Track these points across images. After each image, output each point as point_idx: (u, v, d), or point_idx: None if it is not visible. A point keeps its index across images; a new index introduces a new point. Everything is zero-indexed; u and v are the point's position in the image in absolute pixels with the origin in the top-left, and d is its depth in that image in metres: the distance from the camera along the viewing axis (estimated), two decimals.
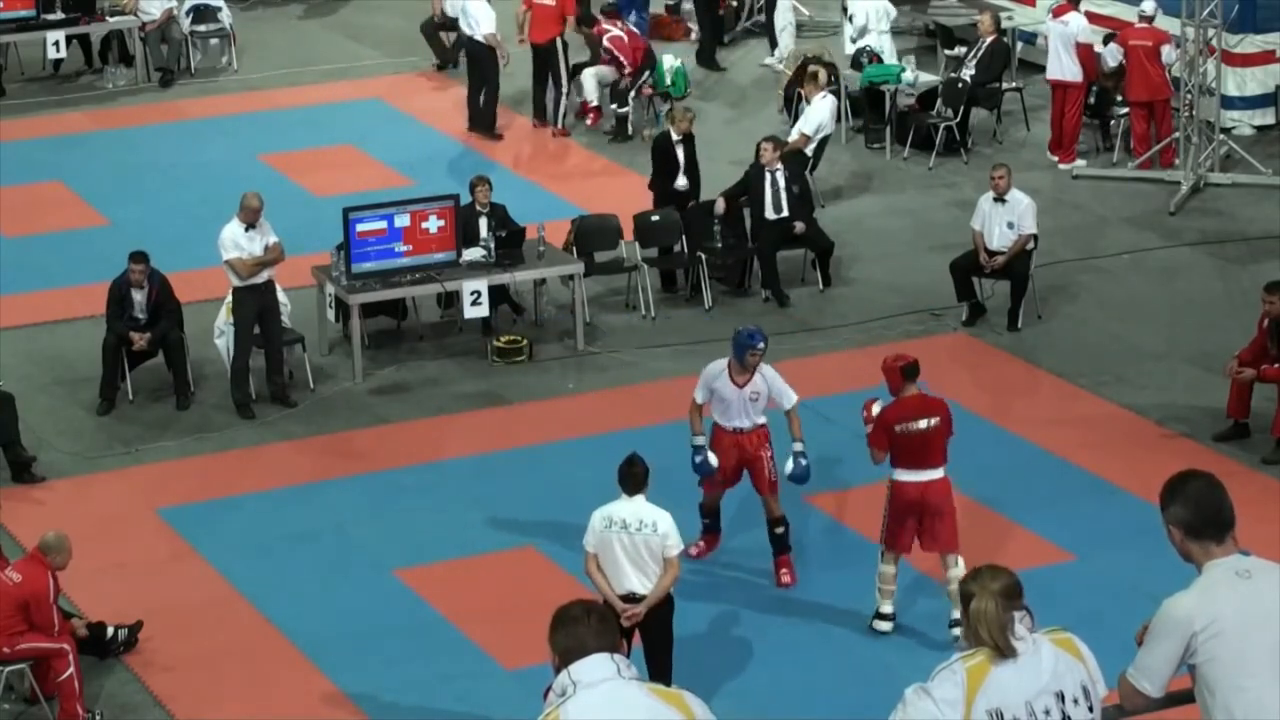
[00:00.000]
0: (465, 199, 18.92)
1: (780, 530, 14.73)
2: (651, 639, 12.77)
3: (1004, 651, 6.36)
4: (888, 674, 13.65)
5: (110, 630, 14.03)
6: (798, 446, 14.53)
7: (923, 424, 13.87)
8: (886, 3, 24.95)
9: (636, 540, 12.61)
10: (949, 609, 14.44)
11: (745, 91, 26.09)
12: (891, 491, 13.91)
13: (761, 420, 14.62)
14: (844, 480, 16.24)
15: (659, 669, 12.65)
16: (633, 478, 12.85)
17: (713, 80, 26.46)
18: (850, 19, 24.91)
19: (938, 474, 13.86)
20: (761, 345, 14.42)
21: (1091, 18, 23.54)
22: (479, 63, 23.93)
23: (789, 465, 14.56)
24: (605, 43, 24.40)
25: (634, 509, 12.71)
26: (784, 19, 26.72)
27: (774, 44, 26.84)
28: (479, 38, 23.76)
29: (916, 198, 22.37)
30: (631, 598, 12.63)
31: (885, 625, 14.06)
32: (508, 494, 16.21)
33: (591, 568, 12.80)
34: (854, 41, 24.70)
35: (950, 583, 13.72)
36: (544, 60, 24.20)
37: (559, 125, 24.26)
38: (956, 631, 13.82)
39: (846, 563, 15.00)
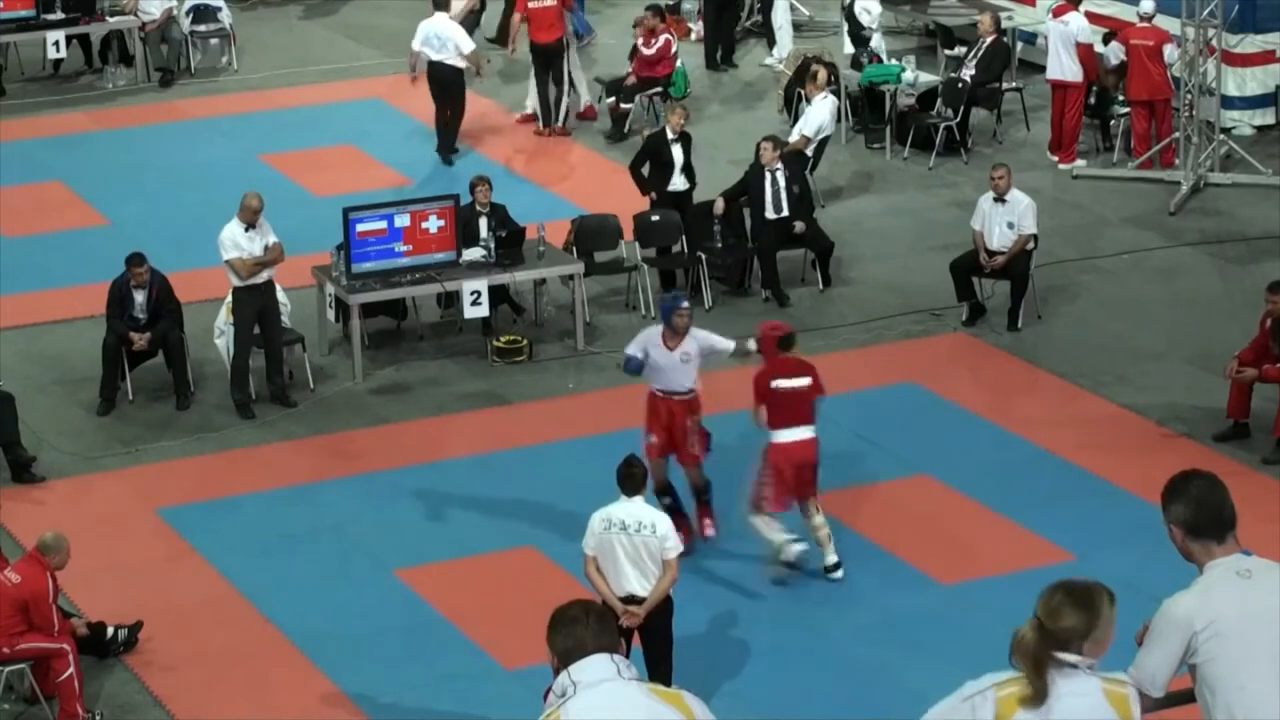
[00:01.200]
0: (465, 199, 18.92)
1: (705, 496, 15.24)
2: (651, 641, 12.78)
3: (1034, 692, 6.12)
4: (887, 674, 13.67)
5: (110, 630, 14.03)
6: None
7: (796, 383, 14.69)
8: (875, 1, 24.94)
9: (636, 542, 12.63)
10: (943, 608, 14.46)
11: (745, 91, 26.09)
12: (769, 453, 14.56)
13: (693, 385, 15.14)
14: (844, 480, 16.23)
15: (659, 671, 12.65)
16: (631, 479, 12.89)
17: (713, 80, 26.46)
18: (857, 17, 24.82)
19: (810, 432, 14.65)
20: (685, 305, 15.13)
21: (1091, 18, 23.53)
22: (449, 86, 23.26)
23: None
24: (660, 40, 24.37)
25: (633, 510, 12.74)
26: (782, 18, 26.72)
27: (772, 44, 26.84)
28: (452, 61, 23.13)
29: (916, 198, 22.36)
30: (631, 599, 12.64)
31: (798, 545, 14.66)
32: (508, 494, 16.21)
33: (590, 570, 12.80)
34: (855, 41, 24.67)
35: (816, 530, 14.66)
36: (548, 61, 24.20)
37: (560, 125, 24.26)
38: (837, 575, 14.51)
39: (846, 563, 15.00)
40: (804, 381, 14.72)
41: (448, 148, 23.32)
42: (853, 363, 18.39)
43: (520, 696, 12.79)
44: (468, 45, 23.28)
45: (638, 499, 12.83)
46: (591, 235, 19.79)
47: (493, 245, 18.59)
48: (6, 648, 13.13)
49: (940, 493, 16.04)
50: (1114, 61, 23.23)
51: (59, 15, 26.04)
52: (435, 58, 23.14)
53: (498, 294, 18.77)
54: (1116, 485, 15.97)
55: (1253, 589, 6.48)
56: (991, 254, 18.96)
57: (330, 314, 18.55)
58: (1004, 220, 18.96)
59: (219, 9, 27.26)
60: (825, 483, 16.10)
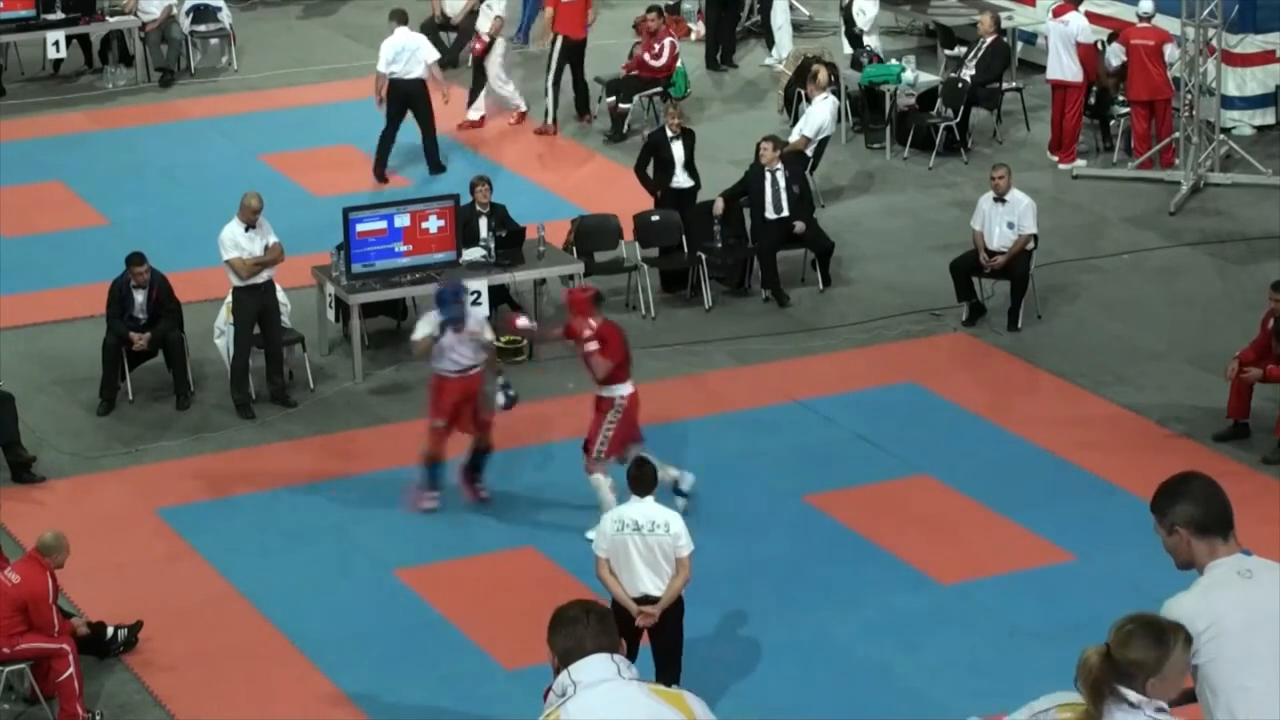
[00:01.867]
0: (465, 199, 18.91)
1: (484, 457, 15.87)
2: (662, 640, 12.78)
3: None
4: (887, 674, 13.67)
5: (110, 630, 14.03)
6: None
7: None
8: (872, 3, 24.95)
9: (650, 541, 12.61)
10: (943, 608, 14.47)
11: (745, 91, 26.09)
12: (626, 404, 15.14)
13: (482, 356, 15.69)
14: (844, 480, 16.25)
15: (668, 670, 12.66)
16: (643, 479, 12.87)
17: (713, 80, 26.46)
18: (854, 18, 24.81)
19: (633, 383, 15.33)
20: (464, 294, 15.76)
21: (1091, 18, 23.53)
22: (416, 100, 22.77)
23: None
24: (665, 43, 24.37)
25: (646, 510, 12.73)
26: (781, 18, 26.72)
27: (771, 44, 26.84)
28: (418, 74, 22.66)
29: (916, 198, 22.36)
30: (646, 599, 12.64)
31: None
32: (508, 494, 16.21)
33: (603, 572, 12.75)
34: (852, 42, 24.67)
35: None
36: (577, 56, 24.29)
37: (551, 122, 24.33)
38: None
39: (847, 563, 15.01)
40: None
41: (436, 164, 22.96)
42: (853, 363, 18.41)
43: (520, 696, 12.78)
44: (433, 54, 23.04)
45: (649, 499, 12.82)
46: (591, 235, 19.80)
47: (493, 245, 18.60)
48: (6, 648, 13.13)
49: (940, 493, 16.04)
50: (1115, 63, 23.22)
51: (59, 15, 26.03)
52: (402, 74, 22.59)
53: (498, 294, 18.77)
54: (1116, 485, 15.96)
55: (1254, 589, 6.47)
56: (991, 254, 18.96)
57: (330, 314, 18.55)
58: (1004, 220, 18.97)
59: (219, 9, 27.25)
60: (825, 483, 16.14)
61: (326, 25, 29.16)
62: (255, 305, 17.51)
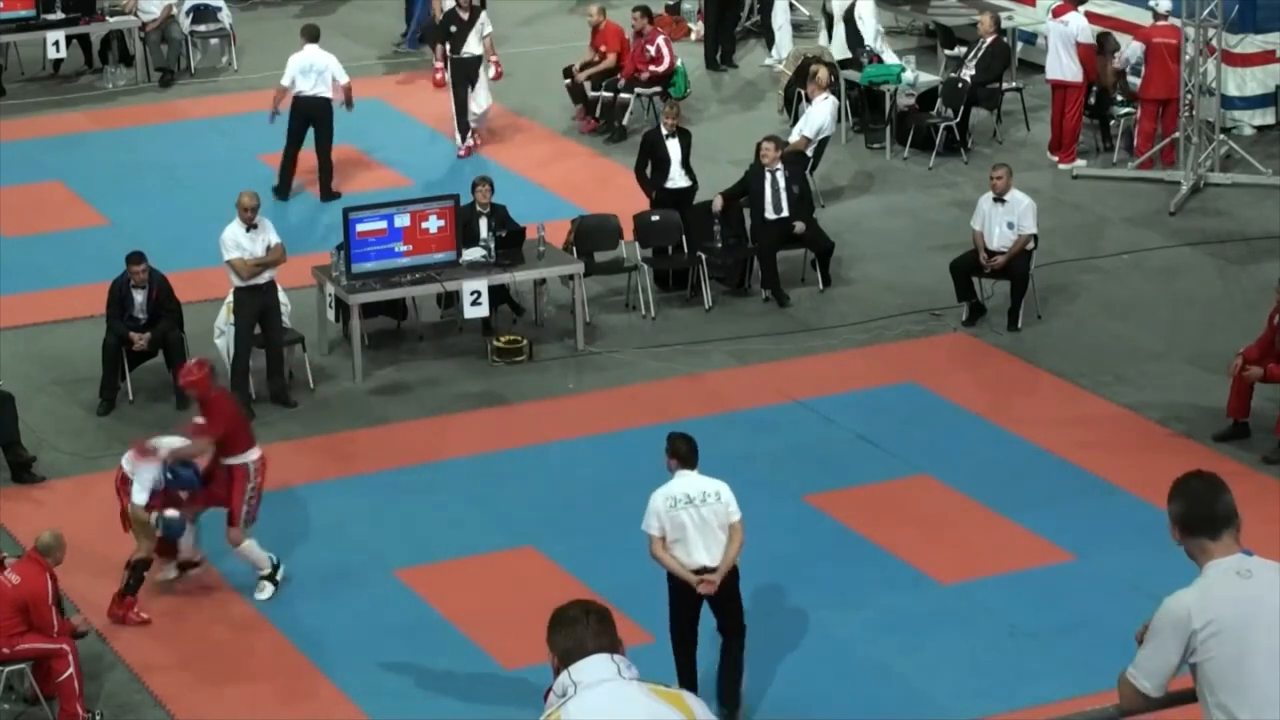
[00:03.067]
0: (465, 199, 18.91)
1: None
2: (724, 609, 12.88)
3: None
4: (887, 674, 13.68)
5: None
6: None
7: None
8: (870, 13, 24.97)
9: (704, 512, 12.69)
10: (943, 608, 14.47)
11: (745, 91, 26.09)
12: (259, 467, 14.71)
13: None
14: (844, 480, 16.25)
15: (735, 638, 12.88)
16: (690, 452, 12.89)
17: (713, 80, 26.46)
18: (858, 23, 24.79)
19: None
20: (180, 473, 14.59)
21: (1091, 18, 23.53)
22: (319, 123, 22.38)
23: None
24: (658, 42, 24.39)
25: (695, 483, 12.79)
26: (781, 18, 26.73)
27: (771, 44, 26.85)
28: (324, 92, 22.33)
29: (916, 198, 22.36)
30: (703, 570, 12.72)
31: (282, 571, 14.83)
32: (508, 494, 16.22)
33: (658, 549, 12.80)
34: (853, 41, 24.68)
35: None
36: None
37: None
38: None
39: (847, 563, 15.01)
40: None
41: (329, 190, 22.25)
42: (853, 363, 18.41)
43: (520, 696, 12.79)
44: (344, 75, 22.77)
45: (693, 472, 12.84)
46: (591, 235, 19.80)
47: (493, 245, 18.60)
48: (6, 648, 13.13)
49: (940, 493, 16.04)
50: (1133, 60, 23.17)
51: (59, 15, 26.03)
52: (308, 91, 22.25)
53: (498, 294, 18.78)
54: (1116, 485, 15.97)
55: (1253, 588, 6.48)
56: (991, 254, 18.96)
57: (330, 314, 18.55)
58: (1004, 220, 18.97)
59: (219, 9, 27.26)
60: (826, 483, 16.14)
61: (326, 25, 29.02)
62: (256, 305, 17.51)
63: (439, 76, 23.66)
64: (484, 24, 23.40)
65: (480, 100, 23.45)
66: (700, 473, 12.91)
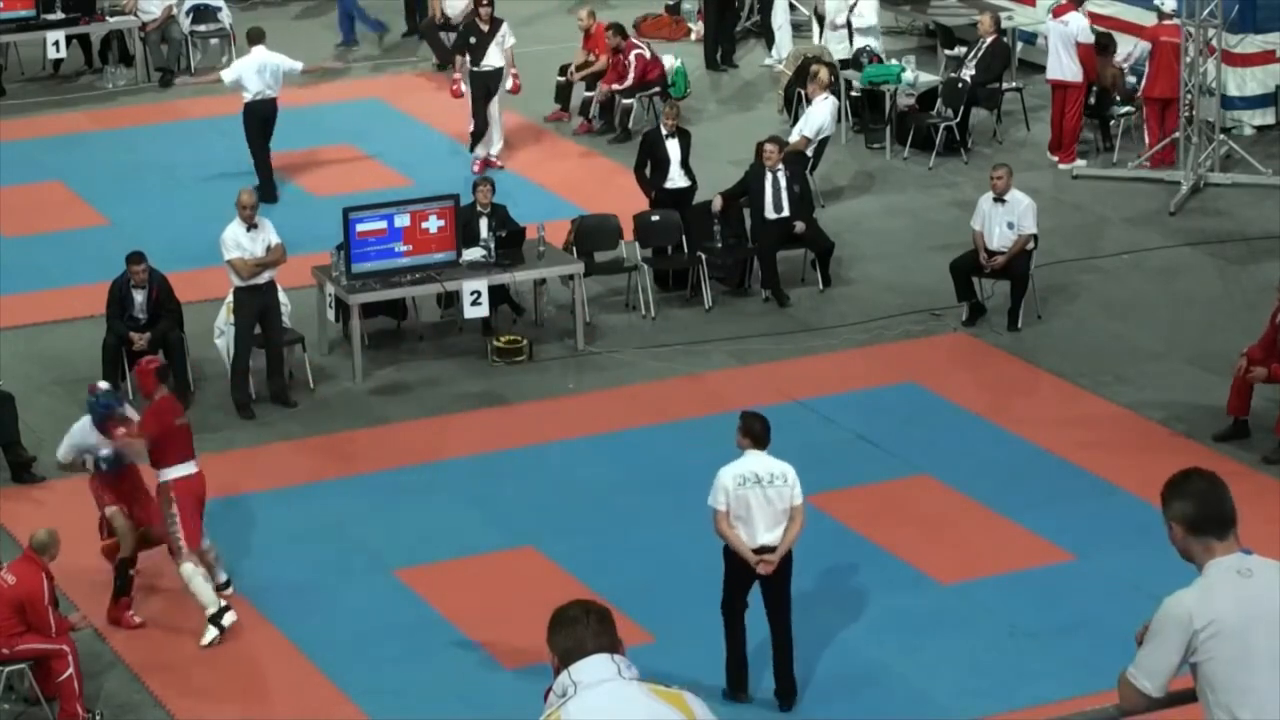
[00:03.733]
0: (465, 199, 18.90)
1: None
2: (775, 591, 13.05)
3: None
4: (887, 674, 13.67)
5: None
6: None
7: (185, 419, 14.55)
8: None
9: (770, 494, 12.85)
10: (943, 608, 14.47)
11: (745, 91, 26.09)
12: (177, 491, 14.18)
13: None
14: (844, 480, 16.24)
15: (781, 620, 13.10)
16: (767, 431, 13.00)
17: (713, 80, 26.47)
18: (855, 19, 24.81)
19: (197, 464, 14.47)
20: (119, 409, 14.55)
21: (1092, 18, 23.52)
22: (272, 119, 22.36)
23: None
24: (631, 56, 24.40)
25: (765, 463, 12.93)
26: (781, 18, 26.74)
27: (771, 44, 26.85)
28: (275, 93, 22.30)
29: (916, 198, 22.36)
30: (764, 549, 12.89)
31: (232, 616, 14.19)
32: (508, 494, 16.22)
33: (723, 525, 12.92)
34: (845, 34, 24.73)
35: (206, 553, 14.45)
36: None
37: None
38: (229, 591, 14.48)
39: (846, 563, 15.01)
40: (185, 417, 14.68)
41: (270, 191, 22.12)
42: (853, 363, 18.41)
43: (520, 696, 12.77)
44: (295, 65, 22.71)
45: (763, 452, 12.94)
46: (591, 235, 19.80)
47: (493, 245, 18.60)
48: (5, 648, 13.12)
49: (940, 493, 16.04)
50: (1135, 60, 23.16)
51: (59, 15, 26.04)
52: (262, 94, 22.22)
53: (498, 294, 18.78)
54: (1116, 485, 15.97)
55: (1254, 587, 6.47)
56: (991, 254, 18.96)
57: (330, 314, 18.55)
58: (1004, 220, 18.97)
59: (219, 9, 27.26)
60: (826, 483, 16.13)
61: (326, 25, 29.14)
62: (256, 305, 17.50)
63: (456, 87, 23.32)
64: (505, 35, 23.01)
65: (492, 112, 23.00)
66: (769, 454, 13.02)
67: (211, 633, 14.14)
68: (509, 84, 23.04)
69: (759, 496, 12.86)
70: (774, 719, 13.21)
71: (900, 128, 23.64)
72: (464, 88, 23.07)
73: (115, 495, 14.61)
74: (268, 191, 22.09)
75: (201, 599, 14.17)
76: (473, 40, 23.05)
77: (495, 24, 23.06)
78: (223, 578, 14.73)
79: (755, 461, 12.93)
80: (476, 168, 22.58)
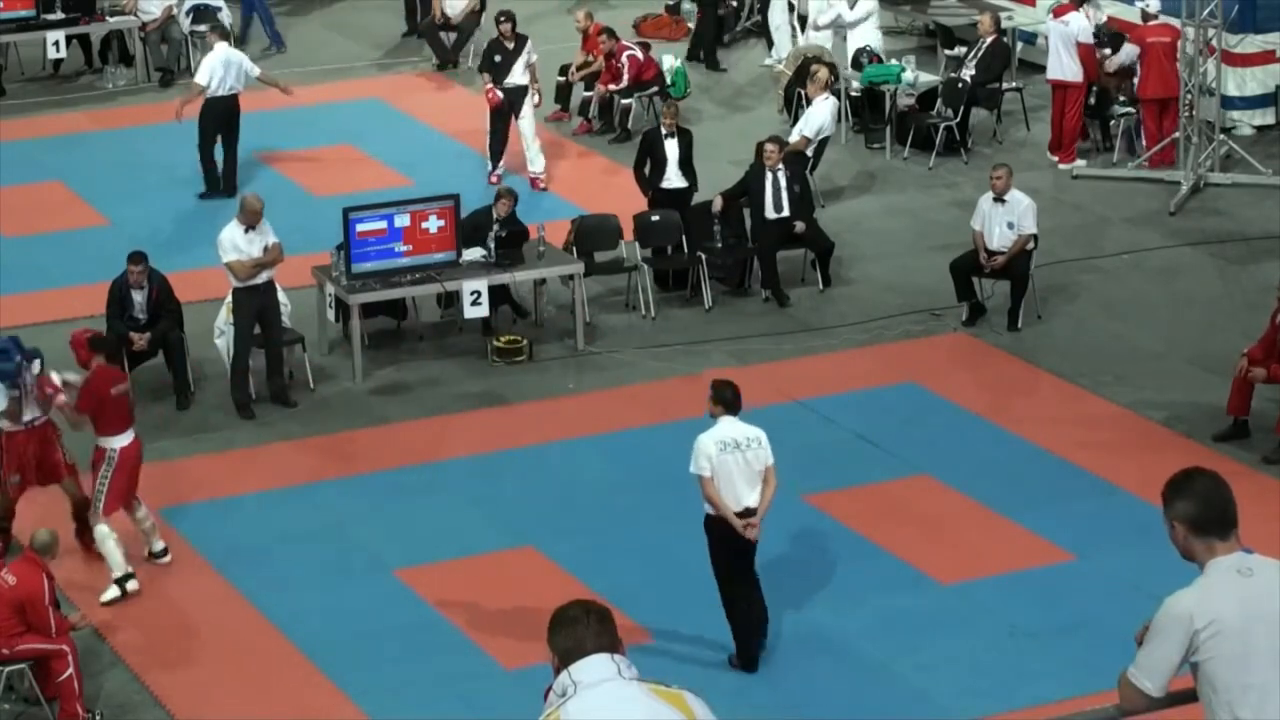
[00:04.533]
0: (465, 200, 18.86)
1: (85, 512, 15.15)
2: (748, 557, 13.46)
3: None
4: (887, 674, 13.67)
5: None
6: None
7: (123, 387, 14.97)
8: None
9: (749, 457, 13.25)
10: (943, 608, 14.46)
11: (745, 91, 26.09)
12: (117, 458, 14.70)
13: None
14: (844, 480, 16.25)
15: (755, 586, 13.56)
16: (738, 398, 13.46)
17: (713, 80, 26.47)
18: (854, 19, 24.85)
19: (135, 433, 14.98)
20: (18, 357, 14.80)
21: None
22: (232, 119, 22.33)
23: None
24: (623, 58, 24.40)
25: (740, 429, 13.34)
26: (779, 19, 26.75)
27: (771, 44, 26.87)
28: (237, 91, 22.25)
29: (916, 198, 22.37)
30: (747, 512, 13.26)
31: (135, 584, 14.70)
32: (508, 494, 16.22)
33: (711, 490, 13.23)
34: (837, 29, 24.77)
35: (143, 522, 15.02)
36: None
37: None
38: (165, 560, 15.01)
39: (847, 563, 15.01)
40: (126, 384, 15.09)
41: (231, 186, 22.13)
42: (853, 363, 18.41)
43: (520, 696, 12.75)
44: (257, 69, 22.76)
45: (735, 418, 13.36)
46: (591, 235, 19.80)
47: (493, 245, 18.61)
48: (5, 649, 13.11)
49: (940, 493, 16.04)
50: (1127, 62, 23.17)
51: (59, 15, 26.05)
52: (224, 91, 22.15)
53: (500, 295, 18.78)
54: (1116, 485, 15.97)
55: (1254, 587, 6.47)
56: (991, 254, 18.96)
57: (330, 314, 18.55)
58: (1004, 220, 18.97)
59: (219, 9, 27.25)
60: (826, 483, 16.13)
61: (326, 25, 29.17)
62: (256, 305, 17.50)
63: (492, 94, 22.82)
64: (530, 52, 22.62)
65: (525, 130, 22.64)
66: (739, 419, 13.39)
67: (113, 591, 14.64)
68: (535, 99, 22.65)
69: (739, 460, 13.24)
70: (774, 716, 13.19)
71: (900, 128, 23.65)
72: (499, 94, 22.52)
73: (18, 457, 14.98)
74: (214, 187, 22.26)
75: (110, 561, 14.66)
76: (497, 59, 22.63)
77: (520, 40, 22.69)
78: (159, 546, 15.15)
79: (731, 427, 13.32)
80: (494, 179, 22.28)
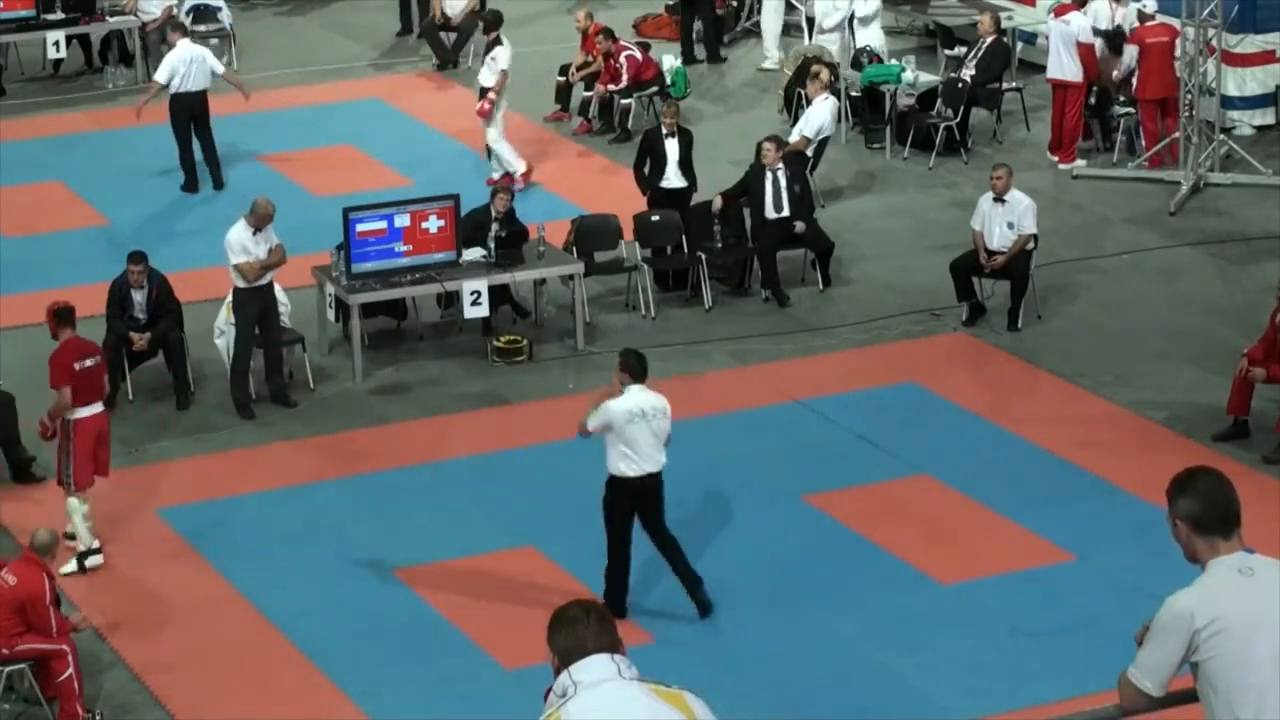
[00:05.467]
0: (465, 199, 18.86)
1: None
2: (654, 510, 14.04)
3: None
4: (887, 674, 13.67)
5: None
6: None
7: (90, 362, 15.10)
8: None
9: (654, 425, 13.79)
10: (943, 608, 14.46)
11: (745, 92, 26.09)
12: (74, 430, 14.88)
13: None
14: (844, 480, 16.24)
15: (662, 531, 14.08)
16: (644, 367, 13.98)
17: (711, 80, 26.47)
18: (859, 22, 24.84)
19: (102, 405, 15.13)
20: None
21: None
22: (199, 116, 22.46)
23: None
24: (621, 58, 24.40)
25: (647, 398, 13.85)
26: (770, 19, 26.79)
27: (767, 44, 26.92)
28: (201, 87, 22.36)
29: (916, 198, 22.37)
30: (654, 477, 13.84)
31: (99, 559, 15.04)
32: (508, 494, 16.21)
33: (582, 431, 13.98)
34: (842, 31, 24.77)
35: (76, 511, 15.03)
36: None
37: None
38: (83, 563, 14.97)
39: (847, 563, 15.01)
40: (97, 358, 15.25)
41: (218, 180, 22.40)
42: (853, 363, 18.40)
43: (520, 696, 12.76)
44: (220, 66, 22.80)
45: (642, 386, 13.83)
46: (591, 235, 19.80)
47: (493, 245, 18.61)
48: (5, 648, 13.11)
49: (940, 493, 16.04)
50: (1131, 64, 23.16)
51: (59, 15, 26.05)
52: (188, 87, 22.26)
53: (500, 295, 18.78)
54: (1116, 485, 15.97)
55: (1255, 586, 6.46)
56: (991, 254, 18.96)
57: (330, 314, 18.55)
58: (1004, 220, 18.97)
59: (219, 9, 27.27)
60: (826, 483, 16.14)
61: (326, 25, 29.17)
62: (257, 306, 17.51)
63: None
64: (495, 57, 22.57)
65: (488, 134, 22.68)
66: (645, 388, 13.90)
67: (72, 565, 14.87)
68: (481, 104, 22.52)
69: (644, 429, 13.74)
70: (775, 716, 13.18)
71: (900, 128, 23.65)
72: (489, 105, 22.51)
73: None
74: (191, 183, 22.35)
75: (79, 534, 14.94)
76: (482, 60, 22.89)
77: (494, 43, 22.78)
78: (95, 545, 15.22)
79: (639, 397, 13.79)
80: (491, 180, 22.17)
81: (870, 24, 24.70)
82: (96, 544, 15.06)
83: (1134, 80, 23.17)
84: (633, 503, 13.98)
